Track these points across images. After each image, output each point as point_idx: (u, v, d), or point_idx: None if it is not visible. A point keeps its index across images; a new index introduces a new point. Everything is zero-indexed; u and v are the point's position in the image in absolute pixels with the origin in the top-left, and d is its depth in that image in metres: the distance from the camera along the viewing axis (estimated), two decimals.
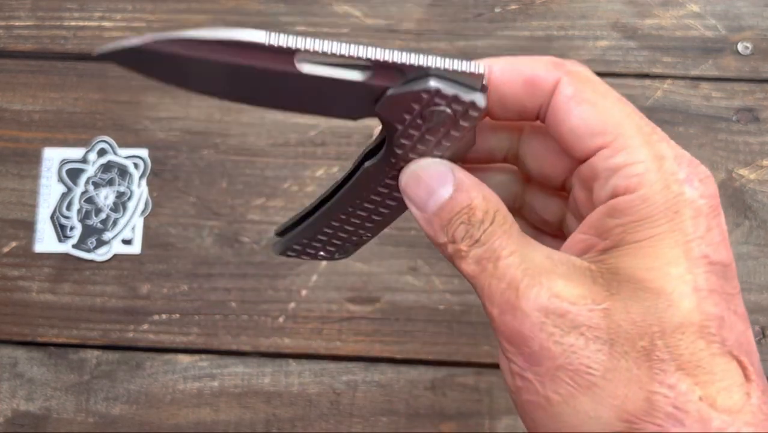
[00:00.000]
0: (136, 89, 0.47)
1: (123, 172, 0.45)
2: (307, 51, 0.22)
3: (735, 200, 0.44)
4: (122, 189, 0.45)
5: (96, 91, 0.47)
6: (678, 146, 0.23)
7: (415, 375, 0.43)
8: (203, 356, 0.43)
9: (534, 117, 0.24)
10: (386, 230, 0.44)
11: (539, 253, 0.22)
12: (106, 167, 0.45)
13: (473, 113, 0.23)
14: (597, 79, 0.23)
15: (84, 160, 0.46)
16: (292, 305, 0.44)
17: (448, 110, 0.23)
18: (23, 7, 0.48)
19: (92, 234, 0.45)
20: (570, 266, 0.22)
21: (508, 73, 0.24)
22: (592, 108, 0.22)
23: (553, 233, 0.28)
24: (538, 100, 0.23)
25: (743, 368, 0.20)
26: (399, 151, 0.24)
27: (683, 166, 0.22)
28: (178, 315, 0.44)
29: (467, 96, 0.23)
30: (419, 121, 0.23)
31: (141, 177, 0.45)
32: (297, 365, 0.43)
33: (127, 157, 0.46)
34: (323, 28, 0.47)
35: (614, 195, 0.22)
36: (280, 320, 0.43)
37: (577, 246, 0.23)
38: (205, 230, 0.45)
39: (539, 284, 0.21)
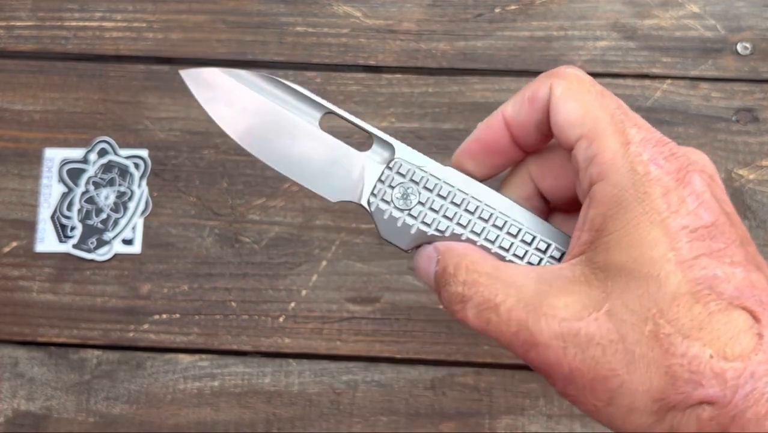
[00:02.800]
0: (136, 89, 0.47)
1: (123, 172, 0.45)
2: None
3: (734, 200, 0.44)
4: (123, 189, 0.45)
5: (96, 91, 0.47)
6: (651, 129, 0.24)
7: (415, 375, 0.43)
8: (203, 356, 0.43)
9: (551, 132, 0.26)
10: None
11: (527, 280, 0.24)
12: (107, 167, 0.46)
13: None
14: (587, 78, 0.25)
15: (84, 161, 0.46)
16: (293, 304, 0.44)
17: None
18: (24, 7, 0.48)
19: (93, 234, 0.45)
20: (563, 279, 0.23)
21: (518, 104, 0.26)
22: (576, 103, 0.24)
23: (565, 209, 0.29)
24: (540, 107, 0.25)
25: (750, 312, 0.21)
26: None
27: (648, 147, 0.23)
28: (178, 315, 0.44)
29: None
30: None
31: (141, 177, 0.45)
32: (297, 365, 0.43)
33: (127, 158, 0.46)
34: (323, 29, 0.47)
35: (591, 184, 0.23)
36: (281, 319, 0.44)
37: (575, 244, 0.24)
38: (206, 230, 0.45)
39: (544, 316, 0.23)
